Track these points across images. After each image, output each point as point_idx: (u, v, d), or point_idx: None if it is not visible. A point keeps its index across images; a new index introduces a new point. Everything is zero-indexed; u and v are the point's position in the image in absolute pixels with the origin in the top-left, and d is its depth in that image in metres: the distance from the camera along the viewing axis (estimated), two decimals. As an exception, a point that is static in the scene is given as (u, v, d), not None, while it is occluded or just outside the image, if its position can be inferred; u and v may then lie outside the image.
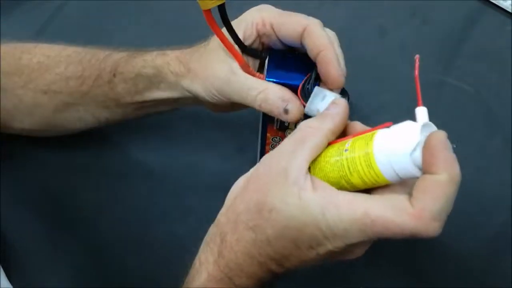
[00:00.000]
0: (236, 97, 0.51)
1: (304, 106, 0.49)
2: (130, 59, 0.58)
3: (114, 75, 0.58)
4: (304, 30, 0.49)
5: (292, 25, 0.49)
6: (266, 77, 0.50)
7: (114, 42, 0.76)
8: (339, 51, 0.51)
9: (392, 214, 0.38)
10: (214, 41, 0.53)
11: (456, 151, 0.66)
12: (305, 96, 0.49)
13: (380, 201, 0.39)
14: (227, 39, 0.48)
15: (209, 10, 0.44)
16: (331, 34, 0.51)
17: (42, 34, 0.79)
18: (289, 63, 0.51)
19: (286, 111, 0.49)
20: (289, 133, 0.54)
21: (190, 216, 0.64)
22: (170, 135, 0.70)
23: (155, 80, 0.56)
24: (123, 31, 0.79)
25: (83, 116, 0.61)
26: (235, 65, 0.51)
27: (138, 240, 0.64)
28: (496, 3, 0.79)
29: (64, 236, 0.65)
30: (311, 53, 0.49)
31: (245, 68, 0.50)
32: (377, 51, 0.76)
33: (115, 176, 0.68)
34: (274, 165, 0.43)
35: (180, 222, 0.64)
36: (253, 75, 0.51)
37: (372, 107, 0.70)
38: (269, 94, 0.49)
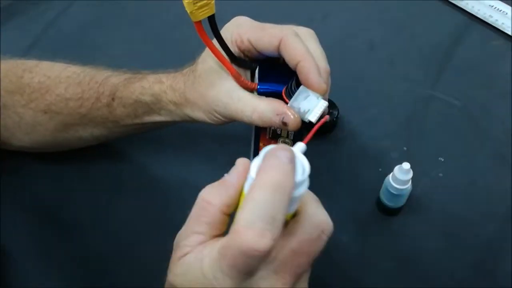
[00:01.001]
0: (237, 118, 0.52)
1: (287, 103, 0.49)
2: (128, 84, 0.58)
3: (113, 99, 0.58)
4: (279, 42, 0.49)
5: (268, 38, 0.50)
6: (258, 86, 0.51)
7: (107, 55, 0.77)
8: (318, 53, 0.51)
9: (227, 241, 0.36)
10: (201, 64, 0.53)
11: (443, 164, 0.68)
12: (289, 95, 0.50)
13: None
14: (218, 50, 0.49)
15: (200, 21, 0.45)
16: (308, 34, 0.52)
17: (34, 47, 0.79)
18: (279, 70, 0.51)
19: (284, 124, 0.49)
20: (282, 142, 0.54)
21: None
22: (161, 148, 0.70)
23: (154, 107, 0.57)
24: (116, 45, 0.80)
25: (82, 136, 0.62)
26: (228, 87, 0.51)
27: (129, 253, 0.64)
28: (483, 19, 0.80)
29: (54, 246, 0.65)
30: (290, 65, 0.50)
31: (237, 79, 0.51)
32: (366, 65, 0.77)
33: (106, 188, 0.68)
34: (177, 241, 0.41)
35: (171, 236, 0.64)
36: (245, 84, 0.51)
37: (360, 120, 0.71)
38: (261, 112, 0.50)
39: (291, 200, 0.36)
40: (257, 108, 0.50)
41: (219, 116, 0.53)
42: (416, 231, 0.64)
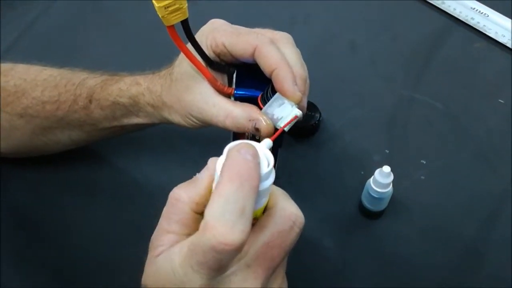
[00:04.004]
0: (211, 123, 0.52)
1: (261, 109, 0.49)
2: (105, 86, 0.58)
3: (90, 101, 0.58)
4: (254, 49, 0.49)
5: (243, 45, 0.49)
6: (234, 90, 0.50)
7: (87, 57, 0.76)
8: (295, 59, 0.50)
9: (196, 238, 0.36)
10: (177, 67, 0.53)
11: (425, 166, 0.68)
12: (265, 101, 0.49)
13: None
14: (193, 55, 0.48)
15: (173, 26, 0.44)
16: (284, 39, 0.51)
17: (12, 50, 0.78)
18: (256, 75, 0.51)
19: (257, 130, 0.49)
20: None
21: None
22: (140, 151, 0.70)
23: (132, 109, 0.57)
24: (95, 47, 0.79)
25: (60, 139, 0.61)
26: (203, 91, 0.51)
27: (106, 257, 0.63)
28: (464, 21, 0.81)
29: (28, 251, 0.64)
30: (265, 73, 0.49)
31: (213, 83, 0.51)
32: (348, 66, 0.77)
33: (83, 192, 0.67)
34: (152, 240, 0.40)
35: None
36: (222, 89, 0.51)
37: (342, 123, 0.71)
38: (235, 118, 0.50)
39: (259, 193, 0.36)
40: (231, 113, 0.50)
41: (195, 120, 0.53)
42: (398, 233, 0.64)
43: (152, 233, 0.40)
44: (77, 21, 0.82)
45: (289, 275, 0.62)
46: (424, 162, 0.68)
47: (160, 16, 0.43)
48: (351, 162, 0.68)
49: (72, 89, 0.58)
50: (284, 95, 0.48)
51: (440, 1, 0.82)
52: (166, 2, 0.42)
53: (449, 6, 0.82)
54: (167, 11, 0.43)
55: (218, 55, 0.51)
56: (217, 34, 0.50)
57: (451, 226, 0.64)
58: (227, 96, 0.51)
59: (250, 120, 0.49)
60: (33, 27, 0.81)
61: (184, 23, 0.45)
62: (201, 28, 0.52)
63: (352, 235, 0.64)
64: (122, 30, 0.81)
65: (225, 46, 0.50)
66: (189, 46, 0.48)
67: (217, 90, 0.51)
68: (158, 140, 0.70)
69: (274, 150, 0.54)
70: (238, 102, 0.51)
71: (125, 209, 0.66)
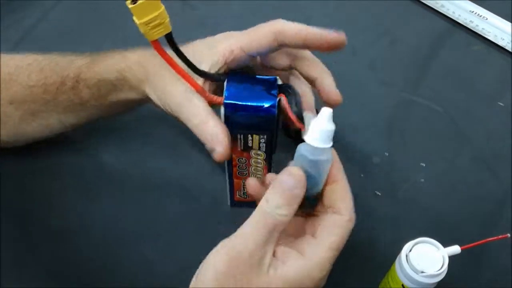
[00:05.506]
0: (183, 120, 0.52)
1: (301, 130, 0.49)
2: (92, 65, 0.58)
3: (77, 81, 0.58)
4: (277, 33, 0.51)
5: (262, 37, 0.51)
6: (224, 99, 0.50)
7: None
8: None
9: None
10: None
11: (425, 169, 0.68)
12: (298, 112, 0.49)
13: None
14: (181, 68, 0.48)
15: (157, 40, 0.44)
16: None
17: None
18: (247, 84, 0.51)
19: (212, 150, 0.50)
20: (254, 153, 0.54)
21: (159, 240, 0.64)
22: (138, 153, 0.70)
23: (118, 83, 0.57)
24: (94, 51, 0.79)
25: (50, 123, 0.61)
26: (186, 89, 0.51)
27: (110, 261, 0.63)
28: (463, 24, 0.81)
29: (30, 254, 0.63)
30: (307, 77, 0.54)
31: (203, 94, 0.51)
32: (348, 70, 0.77)
33: (84, 194, 0.67)
34: (247, 254, 0.43)
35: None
36: (211, 99, 0.51)
37: (342, 126, 0.71)
38: (204, 129, 0.51)
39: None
40: (206, 124, 0.51)
41: (170, 111, 0.53)
42: (397, 237, 0.64)
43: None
44: (77, 25, 0.82)
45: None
46: (424, 165, 0.68)
47: (142, 32, 0.43)
48: (351, 165, 0.68)
49: (60, 70, 0.59)
50: (330, 99, 0.54)
51: (439, 5, 0.82)
52: (147, 19, 0.43)
53: (448, 9, 0.82)
54: (148, 27, 0.43)
55: (228, 63, 0.52)
56: (233, 40, 0.52)
57: (450, 229, 0.64)
58: (217, 105, 0.51)
59: (212, 140, 0.50)
60: (33, 31, 0.81)
61: (168, 37, 0.45)
62: (217, 39, 0.53)
63: (351, 238, 0.64)
64: (122, 34, 0.81)
65: (242, 49, 0.51)
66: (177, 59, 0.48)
67: (207, 100, 0.51)
68: (163, 137, 0.70)
69: (268, 156, 0.54)
70: (215, 116, 0.51)
71: (126, 209, 0.66)
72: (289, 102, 0.50)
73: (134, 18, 0.42)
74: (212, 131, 0.50)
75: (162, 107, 0.54)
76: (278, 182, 0.45)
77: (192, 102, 0.51)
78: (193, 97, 0.51)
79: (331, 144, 0.47)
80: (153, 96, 0.55)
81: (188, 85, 0.50)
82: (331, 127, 0.46)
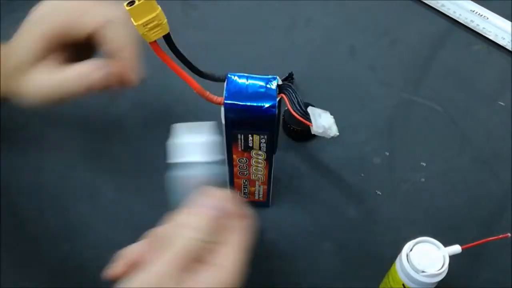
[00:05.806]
0: (62, 89, 0.53)
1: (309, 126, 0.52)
2: None
3: None
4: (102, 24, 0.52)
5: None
6: (224, 99, 0.50)
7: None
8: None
9: None
10: (14, 56, 0.55)
11: (425, 169, 0.68)
12: (301, 113, 0.51)
13: None
14: (180, 68, 0.48)
15: (155, 42, 0.45)
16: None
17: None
18: (247, 84, 0.51)
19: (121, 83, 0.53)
20: (255, 153, 0.54)
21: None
22: (139, 152, 0.70)
23: None
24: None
25: None
26: (48, 70, 0.53)
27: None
28: (464, 23, 0.81)
29: (30, 254, 0.63)
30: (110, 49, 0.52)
31: (202, 94, 0.50)
32: (347, 70, 0.77)
33: (84, 195, 0.67)
34: None
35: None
36: (211, 99, 0.51)
37: (342, 126, 0.71)
38: (85, 72, 0.52)
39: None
40: (81, 70, 0.52)
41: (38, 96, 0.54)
42: (398, 236, 0.64)
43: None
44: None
45: (288, 275, 0.62)
46: (424, 165, 0.68)
47: (140, 33, 0.44)
48: (351, 164, 0.68)
49: None
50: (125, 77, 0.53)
51: (439, 4, 0.82)
52: (144, 20, 0.43)
53: (449, 8, 0.82)
54: (146, 28, 0.43)
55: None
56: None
57: (451, 229, 0.64)
58: (217, 105, 0.51)
59: (97, 69, 0.52)
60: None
61: (167, 38, 0.45)
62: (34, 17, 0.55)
63: (352, 238, 0.64)
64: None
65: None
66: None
67: (207, 100, 0.51)
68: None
69: (268, 156, 0.55)
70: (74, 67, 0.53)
71: (126, 209, 0.66)
72: (290, 101, 0.50)
73: (131, 19, 0.43)
74: (92, 65, 0.52)
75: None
76: None
77: (58, 73, 0.53)
78: (56, 70, 0.53)
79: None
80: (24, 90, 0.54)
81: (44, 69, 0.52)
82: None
